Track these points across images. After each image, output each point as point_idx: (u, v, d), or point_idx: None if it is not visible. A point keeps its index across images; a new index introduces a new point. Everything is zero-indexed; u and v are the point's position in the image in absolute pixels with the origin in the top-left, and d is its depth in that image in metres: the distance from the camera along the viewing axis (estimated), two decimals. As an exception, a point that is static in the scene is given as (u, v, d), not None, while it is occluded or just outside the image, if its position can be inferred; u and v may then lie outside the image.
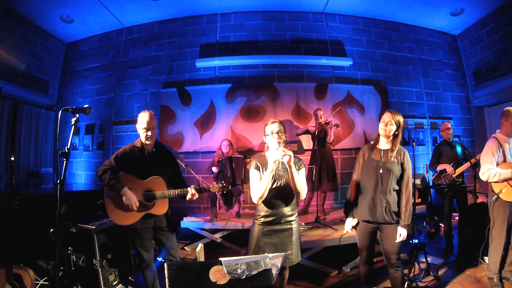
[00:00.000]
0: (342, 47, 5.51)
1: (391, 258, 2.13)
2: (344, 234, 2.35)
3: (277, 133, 1.95)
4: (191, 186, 2.18)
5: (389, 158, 2.10)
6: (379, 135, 2.19)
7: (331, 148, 4.57)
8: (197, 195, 2.19)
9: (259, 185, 1.92)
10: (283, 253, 1.53)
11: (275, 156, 1.81)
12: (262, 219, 1.98)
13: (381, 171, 2.09)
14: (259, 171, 1.97)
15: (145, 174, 2.18)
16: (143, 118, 2.14)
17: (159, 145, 2.33)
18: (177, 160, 2.45)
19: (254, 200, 1.95)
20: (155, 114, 2.26)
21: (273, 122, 2.00)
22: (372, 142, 2.26)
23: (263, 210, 1.99)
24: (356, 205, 2.21)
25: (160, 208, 2.18)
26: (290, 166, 1.84)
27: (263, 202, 1.96)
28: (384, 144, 2.19)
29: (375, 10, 5.46)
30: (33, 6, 4.70)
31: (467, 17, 5.37)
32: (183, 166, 2.28)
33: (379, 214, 2.08)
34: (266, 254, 1.40)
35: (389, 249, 2.12)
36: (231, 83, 5.19)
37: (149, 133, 2.14)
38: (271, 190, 1.93)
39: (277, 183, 1.95)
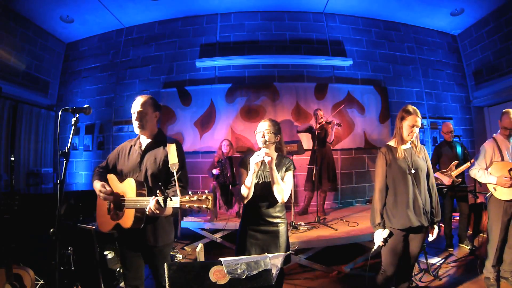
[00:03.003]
0: (342, 47, 5.52)
1: (413, 262, 2.06)
2: (374, 250, 2.05)
3: (263, 131, 1.91)
4: (154, 196, 1.53)
5: (417, 156, 2.01)
6: (400, 136, 2.03)
7: (332, 148, 4.57)
8: (160, 210, 1.53)
9: (243, 185, 1.89)
10: (283, 253, 1.52)
11: (256, 158, 1.78)
12: (248, 219, 1.94)
13: (413, 171, 1.95)
14: (246, 170, 1.94)
15: (124, 174, 1.81)
16: (134, 101, 1.82)
17: (158, 138, 1.85)
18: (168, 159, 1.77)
19: (241, 200, 1.93)
20: (154, 99, 1.86)
21: (264, 121, 1.97)
22: (392, 144, 2.08)
23: (248, 210, 1.95)
24: (387, 214, 2.00)
25: (126, 220, 1.65)
26: (271, 168, 1.81)
27: (249, 202, 1.92)
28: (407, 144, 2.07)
29: (375, 10, 5.46)
30: (33, 6, 4.70)
31: (467, 17, 5.38)
32: (172, 169, 1.69)
33: (419, 218, 1.93)
34: (266, 254, 1.40)
35: (416, 252, 2.04)
36: (231, 83, 5.19)
37: (135, 116, 1.77)
38: (257, 190, 1.90)
39: (263, 183, 1.91)
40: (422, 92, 5.67)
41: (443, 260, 3.35)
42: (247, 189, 1.85)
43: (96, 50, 5.76)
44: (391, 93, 5.49)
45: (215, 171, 4.04)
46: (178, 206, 1.46)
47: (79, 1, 4.70)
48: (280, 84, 5.20)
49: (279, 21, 5.52)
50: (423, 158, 2.03)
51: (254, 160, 1.78)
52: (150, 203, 1.53)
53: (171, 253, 3.65)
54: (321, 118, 4.19)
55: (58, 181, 1.30)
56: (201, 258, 2.20)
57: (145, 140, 1.85)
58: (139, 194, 1.64)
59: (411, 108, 2.02)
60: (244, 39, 5.44)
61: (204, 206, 1.42)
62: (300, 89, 5.20)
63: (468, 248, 3.58)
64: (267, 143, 1.88)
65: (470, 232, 4.17)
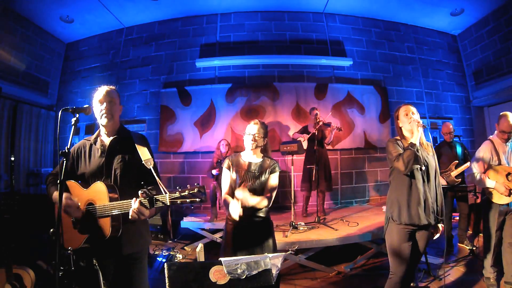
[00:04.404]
0: (342, 47, 5.52)
1: (417, 261, 2.02)
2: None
3: (253, 135, 1.91)
4: (136, 198, 1.39)
5: (426, 152, 1.92)
6: (401, 133, 1.99)
7: (332, 148, 4.58)
8: (146, 212, 1.40)
9: (225, 200, 1.88)
10: (283, 253, 1.52)
11: (233, 212, 1.72)
12: (233, 219, 1.89)
13: (423, 167, 1.88)
14: (230, 171, 1.95)
15: (86, 178, 1.58)
16: (98, 91, 1.65)
17: (122, 134, 1.66)
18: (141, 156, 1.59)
19: (222, 200, 1.95)
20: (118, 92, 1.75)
21: (254, 123, 1.96)
22: (398, 138, 2.01)
23: None
24: (399, 207, 1.91)
25: (102, 229, 1.46)
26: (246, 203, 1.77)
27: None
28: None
29: (375, 10, 5.46)
30: (33, 6, 4.70)
31: (467, 17, 5.38)
32: (148, 165, 1.55)
33: (427, 217, 1.86)
34: (266, 254, 1.40)
35: (421, 251, 1.98)
36: (231, 83, 5.19)
37: (104, 105, 1.58)
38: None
39: (246, 184, 1.90)
40: (422, 92, 5.67)
41: (443, 260, 3.35)
42: (225, 204, 1.86)
43: (96, 50, 5.75)
44: (391, 93, 5.49)
45: (214, 172, 4.04)
46: (168, 204, 1.34)
47: (79, 1, 4.70)
48: (280, 84, 5.20)
49: (279, 21, 5.52)
50: (432, 155, 1.96)
51: (233, 214, 1.74)
52: (133, 206, 1.38)
53: (171, 253, 3.65)
54: (318, 118, 4.16)
55: (58, 181, 1.29)
56: (201, 258, 2.19)
57: (106, 137, 1.64)
58: (112, 199, 1.45)
59: (399, 106, 2.05)
60: (244, 39, 5.44)
61: (198, 199, 1.31)
62: (300, 89, 5.20)
63: (468, 248, 3.58)
64: (257, 147, 1.92)
65: (470, 232, 4.17)
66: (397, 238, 1.90)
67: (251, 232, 1.88)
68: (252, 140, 1.91)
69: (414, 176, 1.88)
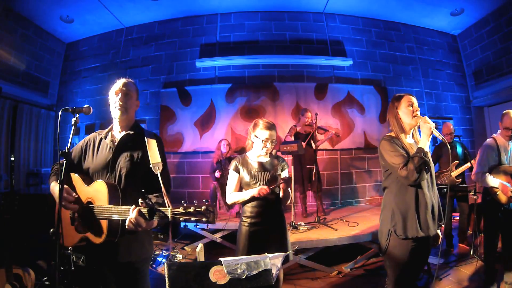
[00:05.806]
0: (342, 47, 5.52)
1: (419, 272, 1.90)
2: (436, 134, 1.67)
3: (272, 141, 1.93)
4: (135, 206, 1.25)
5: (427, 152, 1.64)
6: (400, 126, 1.73)
7: (332, 148, 4.61)
8: (143, 224, 1.24)
9: (235, 194, 1.93)
10: (283, 253, 1.52)
11: (262, 191, 1.83)
12: (248, 220, 1.94)
13: (427, 170, 1.65)
14: (238, 173, 1.97)
15: (91, 173, 1.48)
16: (116, 83, 1.53)
17: (134, 131, 1.53)
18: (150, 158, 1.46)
19: (228, 202, 1.98)
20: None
21: (271, 128, 1.93)
22: (393, 134, 1.75)
23: (247, 211, 1.95)
24: (403, 218, 1.64)
25: (97, 232, 1.35)
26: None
27: (246, 202, 1.95)
28: (409, 137, 1.78)
29: (375, 10, 5.46)
30: (33, 6, 4.70)
31: (467, 17, 5.38)
32: (156, 170, 1.41)
33: (434, 226, 1.66)
34: (266, 254, 1.40)
35: (424, 262, 1.90)
36: (231, 83, 5.19)
37: (119, 97, 1.47)
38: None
39: (259, 184, 1.92)
40: (422, 92, 5.67)
41: (443, 260, 3.35)
42: (236, 199, 1.91)
43: (96, 50, 5.75)
44: (391, 93, 5.49)
45: (217, 175, 4.03)
46: (170, 219, 1.20)
47: (79, 1, 4.70)
48: (280, 84, 5.20)
49: (279, 21, 5.52)
50: (431, 157, 1.75)
51: (261, 192, 1.83)
52: (130, 215, 1.23)
53: (171, 253, 3.65)
54: (309, 119, 4.16)
55: (58, 181, 1.29)
56: (201, 258, 2.19)
57: (118, 133, 1.52)
58: (112, 201, 1.33)
59: (398, 94, 1.79)
60: (244, 39, 5.44)
61: (204, 219, 1.16)
62: (300, 89, 5.20)
63: (468, 248, 3.58)
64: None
65: (470, 232, 4.17)
66: (404, 255, 1.64)
67: (267, 232, 1.91)
68: (270, 146, 1.93)
69: (420, 182, 1.64)
